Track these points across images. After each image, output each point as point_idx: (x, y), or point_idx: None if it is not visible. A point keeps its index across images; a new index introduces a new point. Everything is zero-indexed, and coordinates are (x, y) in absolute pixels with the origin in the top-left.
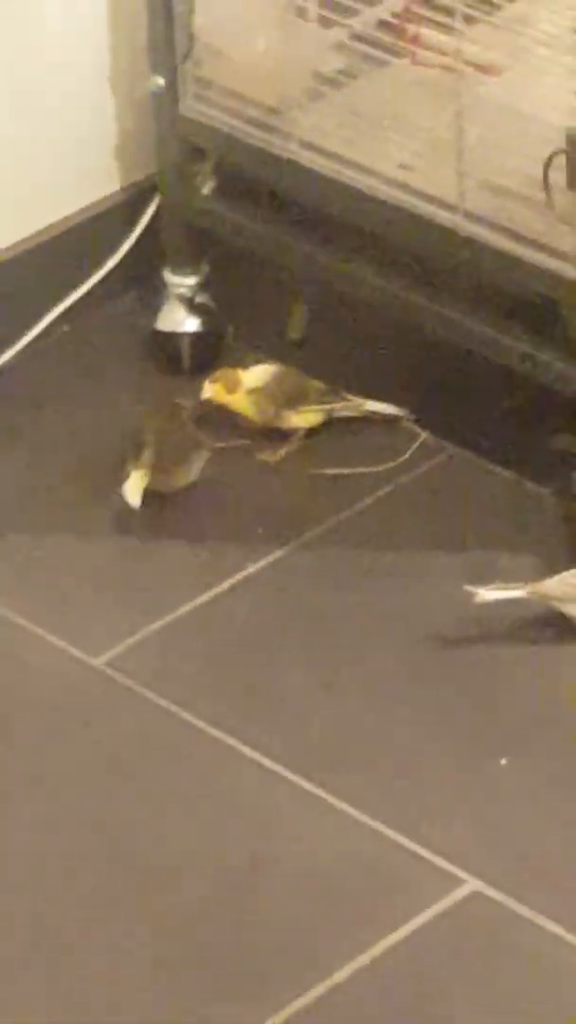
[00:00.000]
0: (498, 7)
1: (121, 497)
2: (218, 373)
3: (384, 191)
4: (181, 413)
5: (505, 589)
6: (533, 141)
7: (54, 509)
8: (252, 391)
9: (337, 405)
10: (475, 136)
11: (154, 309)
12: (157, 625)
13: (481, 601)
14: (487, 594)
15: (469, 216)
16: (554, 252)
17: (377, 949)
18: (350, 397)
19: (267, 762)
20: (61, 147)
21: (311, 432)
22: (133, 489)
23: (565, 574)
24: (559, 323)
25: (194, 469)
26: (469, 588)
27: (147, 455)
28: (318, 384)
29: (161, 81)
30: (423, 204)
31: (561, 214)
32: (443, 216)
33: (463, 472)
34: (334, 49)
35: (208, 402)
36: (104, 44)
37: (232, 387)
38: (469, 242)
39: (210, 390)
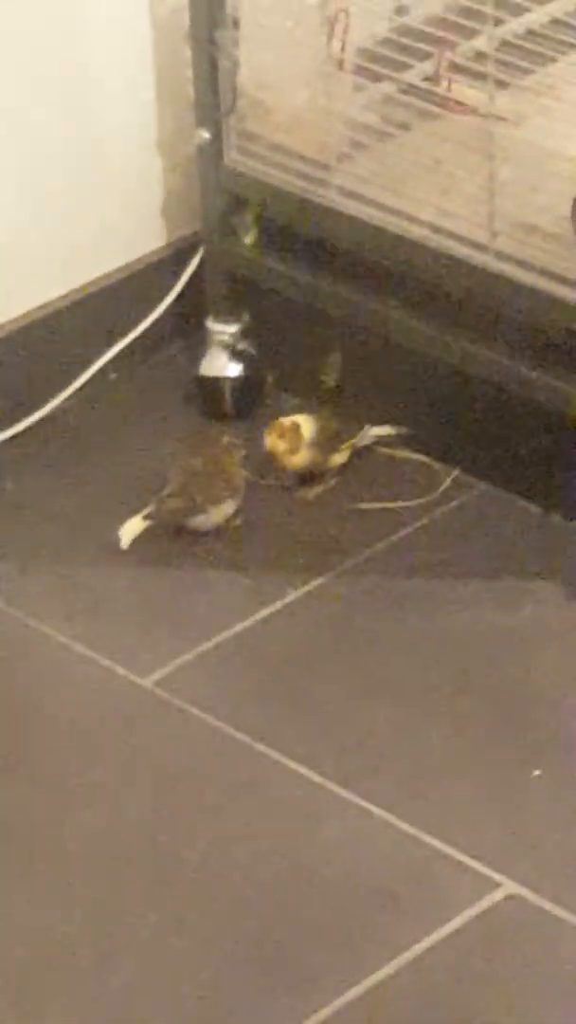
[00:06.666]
0: (529, 72)
1: (166, 531)
2: (283, 428)
3: (420, 234)
4: (224, 454)
5: None
6: (562, 180)
7: (103, 542)
8: (306, 445)
9: (355, 438)
10: (506, 175)
11: (198, 357)
12: (203, 648)
13: None
14: None
15: (500, 255)
16: None
17: (417, 949)
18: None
19: (309, 773)
20: (112, 204)
21: (342, 468)
22: (128, 531)
23: None
24: None
25: (226, 510)
26: None
27: (166, 493)
28: (346, 424)
29: (206, 134)
30: (457, 245)
31: None
32: (476, 256)
33: (493, 507)
34: (372, 101)
35: (268, 451)
36: (151, 108)
37: (295, 448)
38: (501, 280)
39: (271, 444)
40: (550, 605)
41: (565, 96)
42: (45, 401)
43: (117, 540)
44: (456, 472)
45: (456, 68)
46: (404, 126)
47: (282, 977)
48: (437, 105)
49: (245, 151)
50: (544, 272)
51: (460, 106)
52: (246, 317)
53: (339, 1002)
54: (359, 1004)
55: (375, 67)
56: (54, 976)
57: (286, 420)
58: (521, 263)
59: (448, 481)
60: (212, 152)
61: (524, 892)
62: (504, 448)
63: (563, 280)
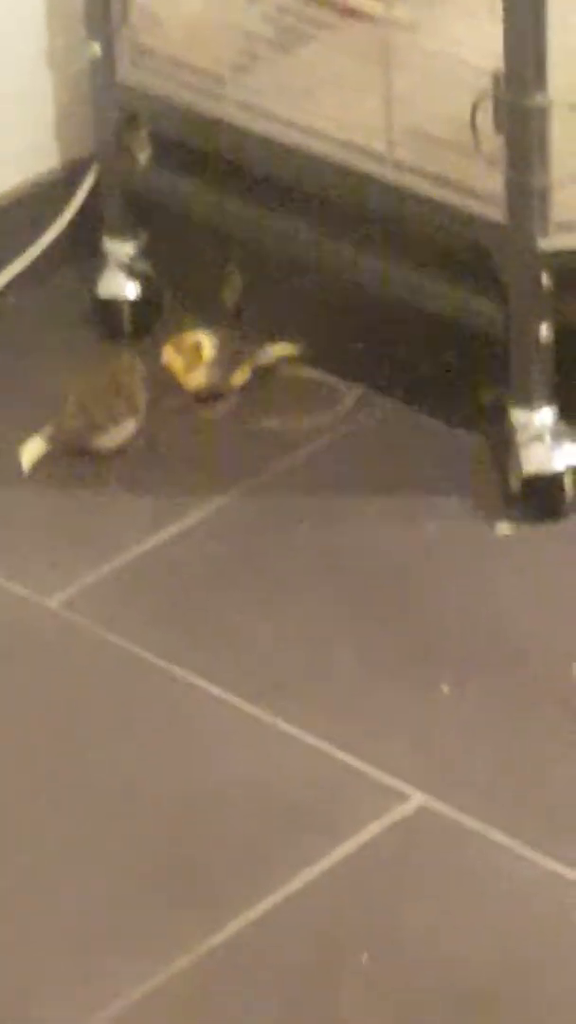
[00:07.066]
0: None
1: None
2: (181, 344)
3: (318, 147)
4: (124, 374)
5: None
6: (461, 87)
7: (3, 464)
8: (206, 364)
9: (256, 356)
10: (404, 84)
11: (95, 278)
12: (108, 568)
13: None
14: None
15: (399, 166)
16: (483, 196)
17: (327, 862)
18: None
19: (217, 690)
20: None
21: (244, 387)
22: (28, 453)
23: None
24: (490, 269)
25: (127, 429)
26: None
27: (66, 414)
28: (247, 343)
29: (98, 48)
30: (355, 157)
31: (489, 157)
32: (375, 168)
33: (397, 423)
34: (267, 11)
35: (164, 366)
36: (39, 21)
37: (193, 366)
38: (400, 192)
39: (169, 359)
40: (456, 520)
41: (463, 2)
42: None
43: (17, 462)
44: (359, 389)
45: None
46: (301, 37)
47: (191, 892)
48: (333, 13)
49: (138, 65)
50: (445, 182)
51: (355, 14)
52: (143, 236)
53: (249, 915)
54: (269, 917)
55: None
56: None
57: (187, 336)
58: (421, 173)
59: (351, 398)
60: (104, 67)
61: (434, 804)
62: (407, 363)
63: (464, 190)
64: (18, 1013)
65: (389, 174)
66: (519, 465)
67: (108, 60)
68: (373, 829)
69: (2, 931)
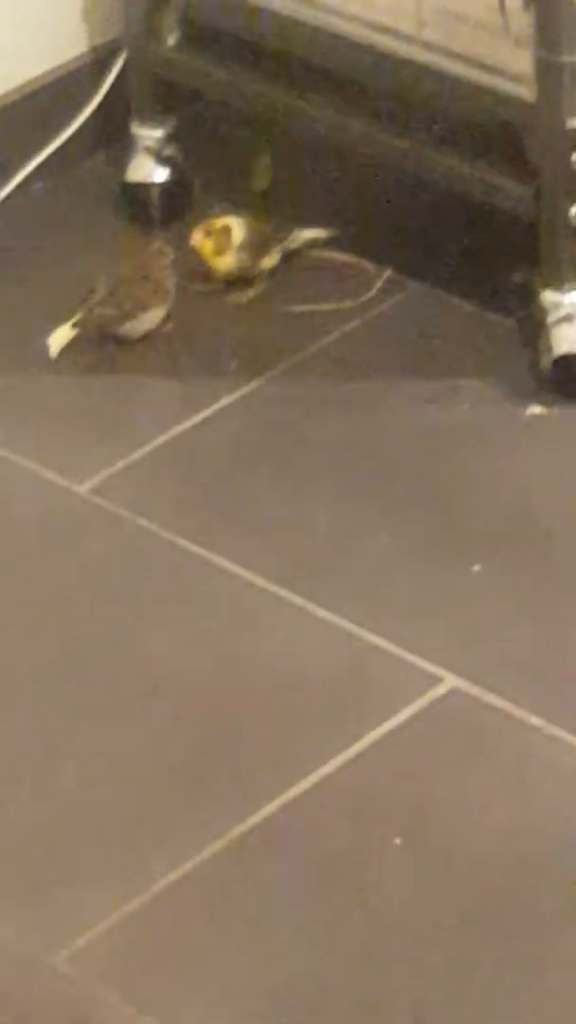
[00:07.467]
0: None
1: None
2: (211, 227)
3: (346, 28)
4: (152, 260)
5: None
6: None
7: (33, 352)
8: (235, 248)
9: (285, 241)
10: None
11: (124, 163)
12: (138, 454)
13: None
14: None
15: (428, 46)
16: (512, 76)
17: (361, 745)
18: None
19: (248, 574)
20: (30, 10)
21: (273, 272)
22: (57, 340)
23: None
24: (519, 149)
25: (156, 316)
26: None
27: (94, 301)
28: (272, 226)
29: None
30: (384, 38)
31: (517, 37)
32: (404, 48)
33: (426, 306)
34: None
35: (193, 249)
36: None
37: (222, 249)
38: (429, 72)
39: (198, 242)
40: (485, 403)
41: None
42: None
43: (46, 349)
44: (388, 272)
45: None
46: None
47: (223, 776)
48: None
49: None
50: (474, 62)
51: None
52: (172, 121)
53: (283, 798)
54: (303, 800)
55: None
56: None
57: (216, 220)
58: (450, 54)
59: (380, 282)
60: None
61: (466, 686)
62: (436, 246)
63: (493, 69)
64: (51, 898)
65: (418, 55)
66: (549, 346)
67: None
68: (406, 712)
69: (36, 816)
